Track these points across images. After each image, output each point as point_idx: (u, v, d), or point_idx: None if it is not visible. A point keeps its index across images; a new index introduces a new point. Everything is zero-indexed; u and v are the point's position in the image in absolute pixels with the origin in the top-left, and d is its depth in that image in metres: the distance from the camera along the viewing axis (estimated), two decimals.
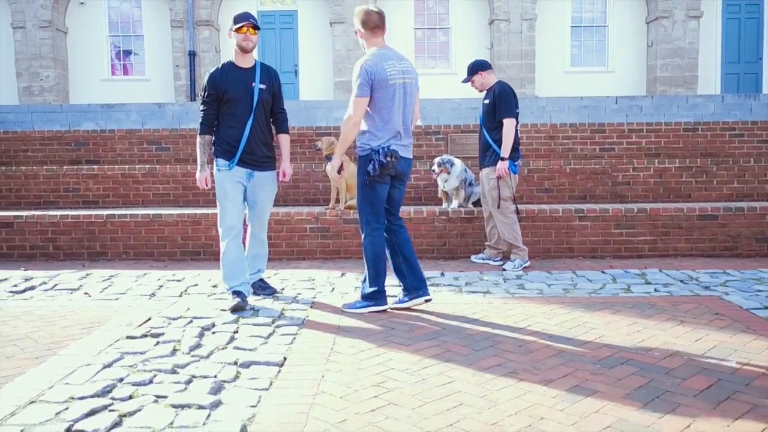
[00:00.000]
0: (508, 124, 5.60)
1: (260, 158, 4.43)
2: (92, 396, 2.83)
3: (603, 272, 5.58)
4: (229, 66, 4.40)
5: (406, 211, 6.42)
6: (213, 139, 4.46)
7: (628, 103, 12.28)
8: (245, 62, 4.40)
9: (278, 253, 6.22)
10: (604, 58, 16.44)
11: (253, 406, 2.71)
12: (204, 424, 2.54)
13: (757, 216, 6.30)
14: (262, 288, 4.68)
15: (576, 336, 3.69)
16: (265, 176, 4.50)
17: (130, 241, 6.37)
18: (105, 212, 6.53)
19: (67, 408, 2.70)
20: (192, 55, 15.80)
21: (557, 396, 2.78)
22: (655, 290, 4.91)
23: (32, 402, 2.78)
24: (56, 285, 5.29)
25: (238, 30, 4.29)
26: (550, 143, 8.56)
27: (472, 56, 15.89)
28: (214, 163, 4.45)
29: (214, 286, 5.13)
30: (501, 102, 5.63)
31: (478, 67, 5.86)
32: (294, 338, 3.67)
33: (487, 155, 5.82)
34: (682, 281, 5.20)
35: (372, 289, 4.23)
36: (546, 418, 2.56)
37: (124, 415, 2.63)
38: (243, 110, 4.33)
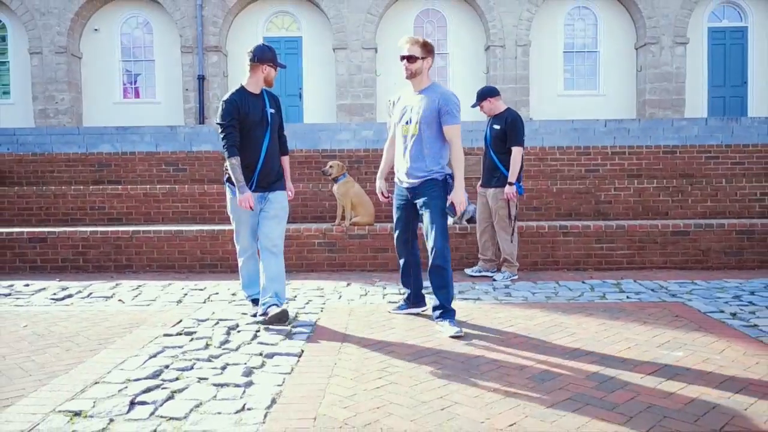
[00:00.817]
0: (518, 151, 6.18)
1: (273, 181, 4.63)
2: (145, 378, 3.43)
3: (583, 282, 6.19)
4: (244, 91, 4.54)
5: None
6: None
7: (616, 126, 12.97)
8: (257, 89, 4.57)
9: (289, 266, 6.81)
10: (596, 82, 17.16)
11: (279, 385, 3.31)
12: (241, 397, 3.14)
13: (725, 232, 6.92)
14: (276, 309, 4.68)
15: (551, 333, 4.29)
16: (275, 196, 4.66)
17: (153, 255, 6.99)
18: (130, 228, 7.16)
19: (126, 387, 3.30)
20: (201, 79, 16.53)
21: (530, 377, 3.38)
22: (627, 297, 5.52)
23: (96, 383, 3.38)
24: (91, 293, 5.90)
25: (274, 67, 4.55)
26: (540, 165, 9.19)
27: (470, 81, 16.69)
28: (227, 188, 4.65)
29: (233, 294, 5.73)
30: (513, 131, 6.19)
31: (487, 94, 6.46)
32: (309, 336, 4.28)
33: (495, 176, 6.34)
34: (652, 290, 5.80)
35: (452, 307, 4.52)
36: (517, 390, 3.16)
37: (175, 391, 3.23)
38: (260, 134, 4.51)
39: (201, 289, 6.01)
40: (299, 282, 6.33)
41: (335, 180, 6.94)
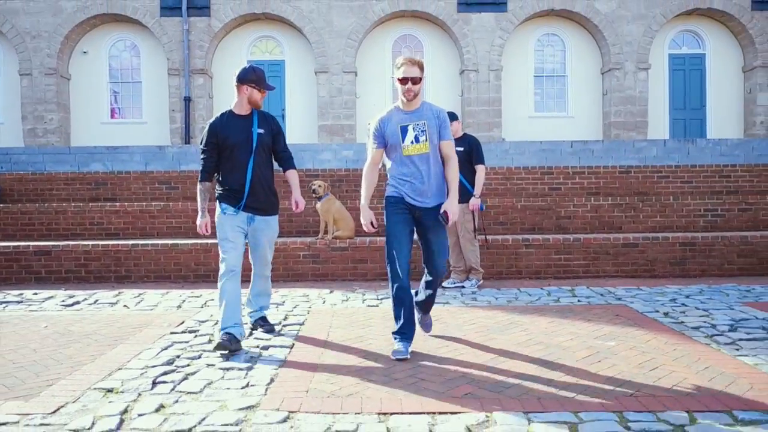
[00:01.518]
0: (482, 169, 6.90)
1: (263, 203, 4.61)
2: (161, 365, 4.07)
3: (542, 289, 6.91)
4: (229, 114, 4.58)
5: (382, 241, 7.73)
6: (212, 185, 4.66)
7: (581, 147, 13.84)
8: (244, 110, 4.58)
9: (276, 276, 7.44)
10: (565, 104, 18.08)
11: (275, 369, 3.96)
12: (245, 377, 3.79)
13: (670, 244, 7.70)
14: (262, 324, 4.95)
15: (508, 329, 4.99)
16: (266, 220, 4.65)
17: (151, 266, 7.58)
18: (129, 242, 7.75)
19: (146, 371, 3.93)
20: (187, 100, 17.15)
21: (485, 361, 4.07)
22: (578, 301, 6.25)
23: (120, 369, 4.01)
24: (97, 300, 6.48)
25: (261, 90, 4.56)
26: (506, 183, 9.96)
27: (445, 102, 17.50)
28: (218, 206, 4.60)
29: None
30: (478, 151, 6.87)
31: (451, 118, 6.89)
32: (298, 331, 4.94)
33: (461, 193, 6.77)
34: (601, 294, 6.54)
35: None
36: (472, 370, 3.84)
37: (188, 374, 3.87)
38: (243, 155, 4.49)
39: (197, 296, 6.63)
40: (287, 290, 6.97)
41: (319, 198, 7.61)
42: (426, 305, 4.68)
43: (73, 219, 8.64)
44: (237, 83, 4.55)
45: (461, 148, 6.83)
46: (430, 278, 4.50)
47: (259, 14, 17.18)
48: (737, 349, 4.34)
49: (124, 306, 6.19)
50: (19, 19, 16.98)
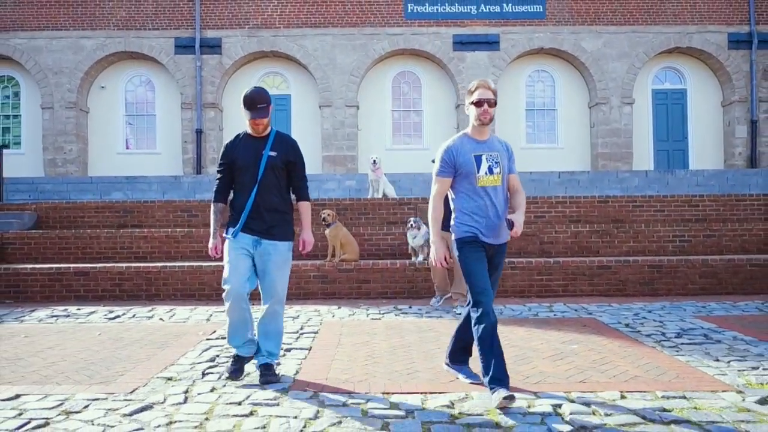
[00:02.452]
0: None
1: (268, 226, 4.38)
2: (205, 362, 5.01)
3: (524, 305, 7.86)
4: (244, 136, 4.51)
5: (383, 264, 8.71)
6: (224, 207, 4.60)
7: (568, 178, 14.90)
8: (257, 132, 4.44)
9: (289, 295, 8.34)
10: (555, 136, 19.17)
11: (299, 364, 4.90)
12: (276, 369, 4.73)
13: (639, 266, 8.66)
14: (265, 374, 4.41)
15: None
16: (274, 245, 4.39)
17: (178, 286, 8.53)
18: (159, 264, 8.71)
19: (194, 366, 4.87)
20: (199, 132, 18.24)
21: (473, 359, 5.01)
22: (554, 315, 7.19)
23: (172, 365, 4.94)
24: (135, 315, 7.42)
25: (249, 119, 4.35)
26: None
27: (441, 135, 18.62)
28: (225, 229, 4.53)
29: None
30: None
31: None
32: (314, 338, 5.89)
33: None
34: (575, 310, 7.49)
35: None
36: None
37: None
38: (249, 177, 4.38)
39: (222, 311, 7.56)
40: (299, 306, 7.91)
41: (328, 225, 8.60)
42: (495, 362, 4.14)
43: (106, 243, 9.61)
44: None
45: None
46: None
47: (267, 52, 18.35)
48: (677, 351, 5.28)
49: (160, 319, 7.13)
50: (42, 57, 18.14)
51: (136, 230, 9.76)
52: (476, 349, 4.07)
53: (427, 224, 8.79)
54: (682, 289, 8.58)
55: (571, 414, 3.69)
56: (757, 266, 8.65)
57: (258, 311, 4.49)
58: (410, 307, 7.77)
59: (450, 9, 18.28)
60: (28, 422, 3.60)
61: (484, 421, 3.57)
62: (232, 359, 4.52)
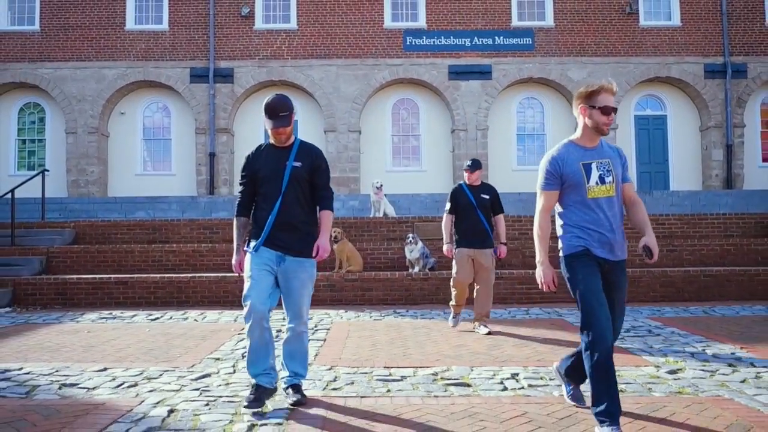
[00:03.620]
0: (503, 218, 7.28)
1: (293, 240, 4.18)
2: (241, 348, 6.26)
3: (504, 309, 9.11)
4: (267, 146, 4.34)
5: (384, 274, 9.98)
6: (247, 221, 4.39)
7: None
8: (280, 141, 4.27)
9: None
10: None
11: (317, 350, 6.16)
12: None
13: None
14: (293, 394, 4.30)
15: (473, 332, 7.19)
16: (299, 262, 4.20)
17: (205, 294, 9.79)
18: (188, 275, 9.99)
19: (233, 352, 6.13)
20: (212, 155, 19.58)
21: (456, 346, 6.28)
22: (529, 317, 8.45)
23: (215, 351, 6.20)
24: (171, 317, 8.68)
25: (270, 128, 4.20)
26: None
27: (438, 158, 19.96)
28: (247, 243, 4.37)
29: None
30: (499, 201, 7.21)
31: (477, 166, 7.18)
32: (327, 332, 7.15)
33: (488, 239, 7.06)
34: (548, 313, 8.75)
35: None
36: (441, 346, 6.05)
37: None
38: (273, 189, 4.18)
39: None
40: (311, 311, 9.13)
41: (336, 241, 9.89)
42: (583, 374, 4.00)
43: (139, 257, 10.89)
44: None
45: (487, 196, 7.12)
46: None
47: (276, 81, 19.75)
48: (622, 342, 6.54)
49: (194, 320, 8.39)
50: (67, 86, 19.54)
51: (165, 245, 11.05)
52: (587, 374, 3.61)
53: (423, 240, 10.10)
54: (644, 297, 9.84)
55: (524, 378, 4.96)
56: (710, 276, 9.93)
57: (280, 327, 4.93)
58: (407, 311, 9.03)
59: (446, 42, 19.72)
60: (122, 384, 4.87)
61: (459, 383, 4.84)
62: (251, 388, 4.21)
